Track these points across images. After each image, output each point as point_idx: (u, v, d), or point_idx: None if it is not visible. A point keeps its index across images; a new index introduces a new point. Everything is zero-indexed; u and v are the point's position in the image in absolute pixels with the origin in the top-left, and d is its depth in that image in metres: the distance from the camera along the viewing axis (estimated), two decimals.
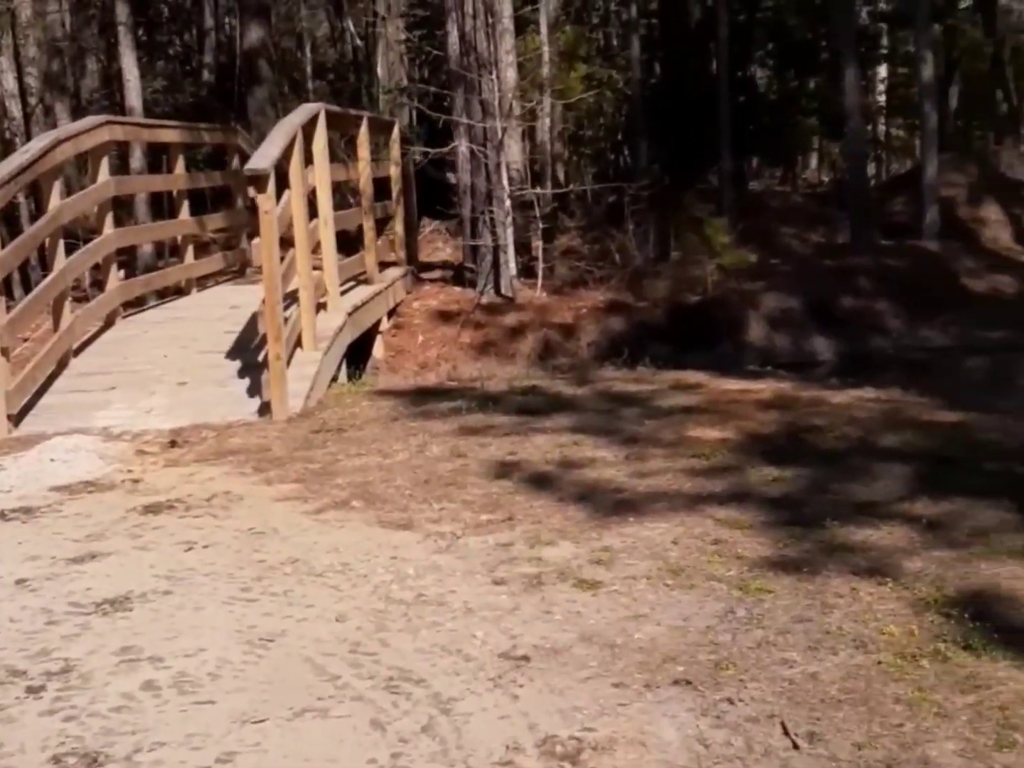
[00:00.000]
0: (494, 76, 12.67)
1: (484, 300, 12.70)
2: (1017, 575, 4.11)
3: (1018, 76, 23.87)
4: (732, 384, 7.62)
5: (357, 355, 9.90)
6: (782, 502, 5.03)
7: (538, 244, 13.34)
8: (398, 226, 12.56)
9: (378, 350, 11.26)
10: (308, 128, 9.00)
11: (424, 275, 13.77)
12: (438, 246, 15.75)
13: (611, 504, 5.09)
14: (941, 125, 17.81)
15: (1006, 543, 4.40)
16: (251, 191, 7.36)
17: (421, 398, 7.49)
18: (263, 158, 7.47)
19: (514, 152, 13.18)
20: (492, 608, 4.01)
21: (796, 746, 3.01)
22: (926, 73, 15.97)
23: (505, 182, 12.68)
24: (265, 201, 7.24)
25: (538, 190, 14.01)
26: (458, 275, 13.71)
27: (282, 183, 8.00)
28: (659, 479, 5.43)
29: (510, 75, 13.02)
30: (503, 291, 12.82)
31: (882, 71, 23.03)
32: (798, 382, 7.80)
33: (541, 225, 13.41)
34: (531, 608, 4.00)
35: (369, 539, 4.75)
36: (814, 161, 24.51)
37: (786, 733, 3.07)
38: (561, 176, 16.77)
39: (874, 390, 7.30)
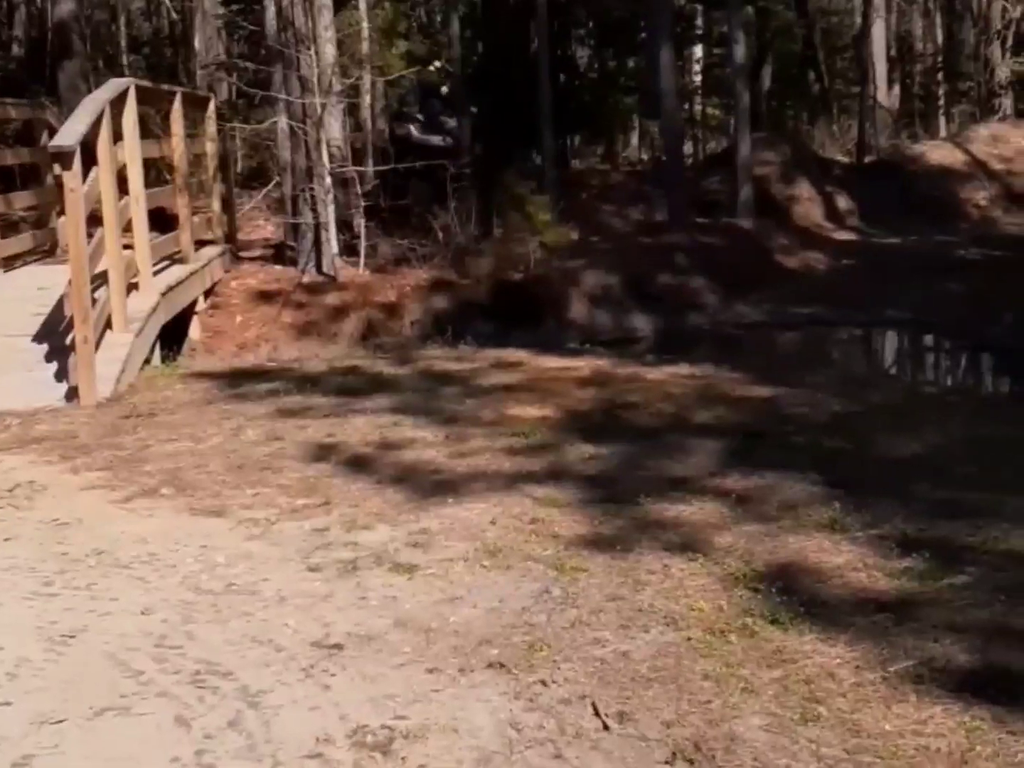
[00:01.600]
0: (312, 52, 12.45)
1: (306, 279, 12.51)
2: (823, 548, 4.20)
3: (829, 57, 24.63)
4: (552, 362, 7.65)
5: (173, 337, 9.65)
6: (598, 480, 5.06)
7: (360, 222, 13.20)
8: (215, 203, 12.28)
9: (194, 331, 10.98)
10: (117, 104, 8.72)
11: (244, 254, 13.49)
12: (259, 224, 15.47)
13: (430, 485, 5.04)
14: (755, 105, 18.28)
15: (813, 516, 4.50)
16: (56, 168, 7.13)
17: (237, 380, 7.33)
18: (68, 135, 7.24)
19: (334, 129, 13.01)
20: (306, 595, 3.93)
21: (606, 727, 3.02)
22: (739, 54, 16.32)
23: (325, 159, 12.50)
24: (71, 179, 7.00)
25: (360, 168, 13.87)
26: (279, 253, 13.49)
27: (92, 160, 7.75)
28: (478, 459, 5.41)
29: (329, 51, 12.84)
30: (325, 270, 12.64)
31: (698, 51, 23.47)
32: (616, 359, 7.86)
33: (363, 203, 13.26)
34: (346, 594, 3.93)
35: (178, 528, 4.62)
36: (635, 139, 24.84)
37: (597, 714, 3.08)
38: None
39: (688, 366, 7.40)
